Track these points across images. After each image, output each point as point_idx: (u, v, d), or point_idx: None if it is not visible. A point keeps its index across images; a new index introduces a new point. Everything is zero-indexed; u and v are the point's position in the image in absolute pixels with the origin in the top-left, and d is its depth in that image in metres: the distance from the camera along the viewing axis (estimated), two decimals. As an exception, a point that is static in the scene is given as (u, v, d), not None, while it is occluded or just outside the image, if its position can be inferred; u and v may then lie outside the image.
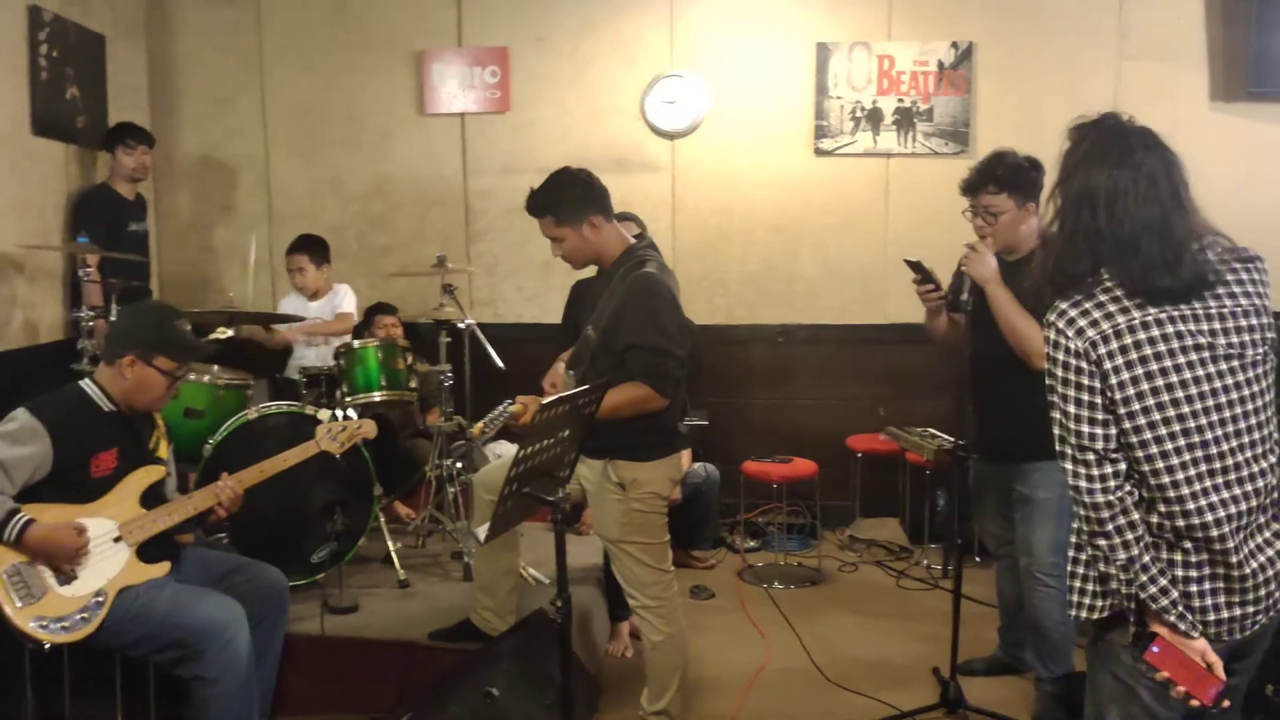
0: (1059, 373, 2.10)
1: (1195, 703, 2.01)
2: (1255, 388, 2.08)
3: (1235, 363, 2.06)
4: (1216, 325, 2.06)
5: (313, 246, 5.33)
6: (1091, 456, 2.07)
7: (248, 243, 5.54)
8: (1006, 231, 3.64)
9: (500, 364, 4.88)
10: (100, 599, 2.99)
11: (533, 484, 2.62)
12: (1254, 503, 2.08)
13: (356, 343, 4.62)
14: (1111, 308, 2.06)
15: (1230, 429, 2.06)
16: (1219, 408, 2.05)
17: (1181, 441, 2.04)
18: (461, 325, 4.81)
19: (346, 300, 5.38)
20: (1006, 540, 3.95)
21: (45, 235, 5.01)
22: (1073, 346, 2.07)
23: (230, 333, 4.36)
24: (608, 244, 3.39)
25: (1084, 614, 2.20)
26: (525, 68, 6.08)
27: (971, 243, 3.69)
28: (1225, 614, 2.08)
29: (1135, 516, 2.07)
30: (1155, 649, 2.05)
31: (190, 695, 3.07)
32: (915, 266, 3.80)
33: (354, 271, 5.93)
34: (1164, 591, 2.06)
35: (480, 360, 4.90)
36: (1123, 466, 2.07)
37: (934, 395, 5.77)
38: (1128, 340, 2.04)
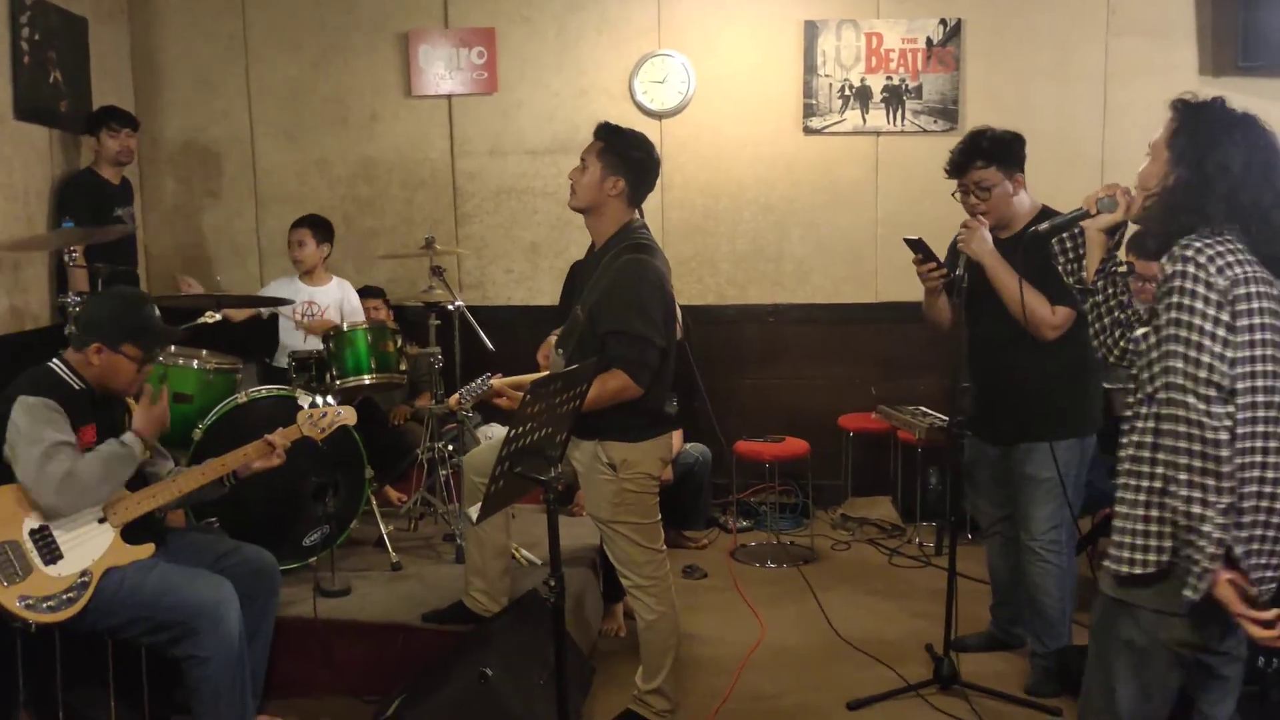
0: (1198, 305, 2.09)
1: (1262, 635, 2.03)
2: None
3: None
4: None
5: (318, 224, 5.32)
6: (1215, 392, 2.07)
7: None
8: (1000, 205, 3.64)
9: (490, 346, 4.86)
10: (85, 579, 2.98)
11: (524, 464, 2.61)
12: None
13: (345, 325, 4.60)
14: (1242, 256, 2.13)
15: None
16: None
17: (1261, 397, 2.09)
18: (451, 308, 4.79)
19: (352, 296, 5.37)
20: (999, 518, 3.95)
21: (30, 221, 4.97)
22: (1215, 282, 2.09)
23: (218, 316, 4.33)
24: (610, 209, 3.35)
25: (1126, 568, 2.20)
26: (512, 49, 6.04)
27: (966, 220, 3.68)
28: (1258, 575, 2.11)
29: (1237, 464, 2.09)
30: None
31: (183, 676, 3.06)
32: (915, 245, 3.77)
33: (342, 255, 5.89)
34: (1241, 539, 2.09)
35: (470, 343, 4.89)
36: (1233, 409, 2.09)
37: (925, 374, 5.79)
38: (1252, 289, 2.10)
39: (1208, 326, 2.08)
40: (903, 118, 5.93)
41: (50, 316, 5.08)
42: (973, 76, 5.88)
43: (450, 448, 4.81)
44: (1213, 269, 2.09)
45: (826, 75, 5.93)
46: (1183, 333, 2.10)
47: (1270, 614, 2.01)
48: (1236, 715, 2.38)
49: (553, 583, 2.65)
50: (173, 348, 4.18)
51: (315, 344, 4.84)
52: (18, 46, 4.86)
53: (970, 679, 3.79)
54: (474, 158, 6.13)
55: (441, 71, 6.05)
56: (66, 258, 4.47)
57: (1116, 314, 2.47)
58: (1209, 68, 5.72)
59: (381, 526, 4.50)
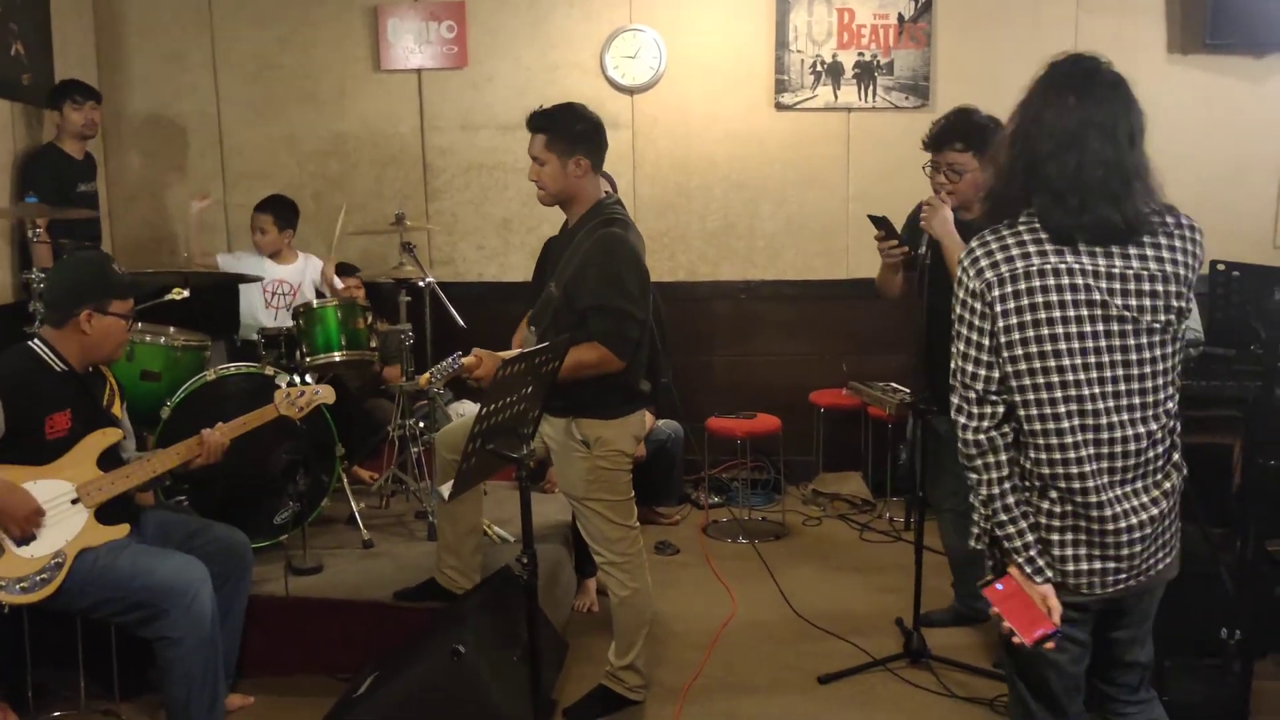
0: (957, 309, 2.15)
1: (1016, 640, 2.05)
2: (1145, 354, 2.08)
3: (1128, 325, 2.07)
4: (1117, 285, 2.06)
5: (279, 209, 5.23)
6: (972, 395, 2.13)
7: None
8: (968, 189, 3.65)
9: (461, 323, 4.84)
10: (59, 560, 2.95)
11: (496, 441, 2.61)
12: (1128, 462, 2.10)
13: (316, 302, 4.57)
14: (1015, 251, 2.08)
15: (1109, 389, 2.08)
16: (1100, 366, 2.07)
17: (1059, 393, 2.07)
18: (421, 284, 4.76)
19: (316, 270, 5.31)
20: (952, 492, 3.98)
21: (-10, 195, 4.89)
22: (972, 286, 2.11)
23: (186, 293, 4.28)
24: (582, 191, 3.34)
25: (974, 543, 2.25)
26: (482, 22, 5.99)
27: (929, 198, 3.70)
28: (1084, 565, 2.12)
29: (1004, 457, 2.13)
30: (999, 586, 2.11)
31: (155, 656, 3.05)
32: (879, 222, 3.80)
33: (312, 232, 5.84)
34: (1020, 533, 2.12)
35: (441, 319, 4.87)
36: (1001, 409, 2.12)
37: (896, 350, 5.81)
38: (1022, 285, 2.06)
39: (963, 331, 2.14)
40: (874, 94, 5.93)
41: (13, 293, 5.01)
42: (944, 53, 5.89)
43: (421, 425, 4.79)
44: (972, 271, 2.10)
45: (798, 51, 5.92)
46: (956, 327, 2.17)
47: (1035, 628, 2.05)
48: (1147, 679, 2.38)
49: (525, 559, 2.66)
50: (139, 324, 4.13)
51: (285, 321, 4.80)
52: (-23, 19, 4.78)
53: (939, 652, 3.84)
54: (444, 133, 6.09)
55: (411, 45, 5.99)
56: (30, 233, 4.40)
57: None
58: (1177, 45, 5.76)
59: (353, 504, 4.48)
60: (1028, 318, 2.06)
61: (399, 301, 4.80)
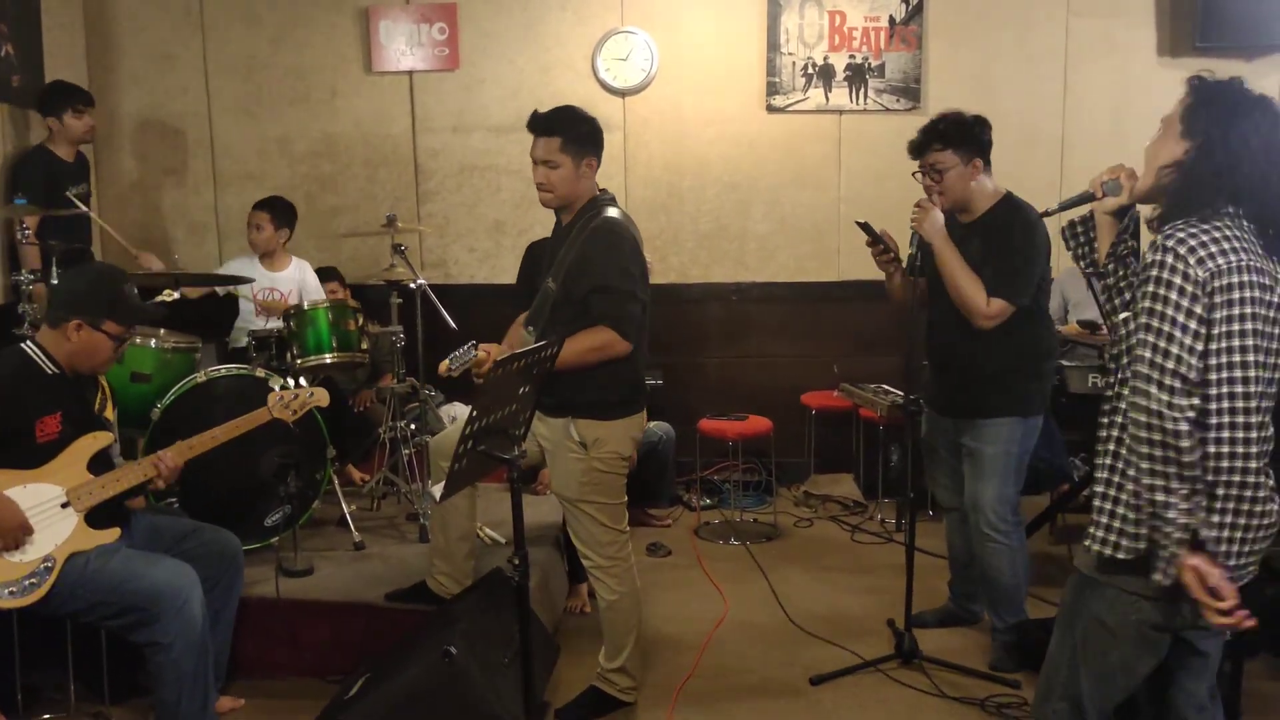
0: (1172, 296, 2.07)
1: (1223, 621, 2.04)
2: None
3: None
4: None
5: (278, 208, 5.22)
6: (1180, 384, 2.06)
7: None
8: (954, 188, 3.67)
9: (453, 324, 4.84)
10: (49, 564, 2.94)
11: (488, 442, 2.60)
12: (1264, 462, 2.15)
13: (306, 304, 4.55)
14: (1227, 245, 2.09)
15: (1271, 389, 2.15)
16: (1274, 367, 2.14)
17: (1240, 389, 2.09)
18: (413, 285, 4.76)
19: (311, 277, 5.32)
20: (956, 494, 4.00)
21: (-20, 197, 4.87)
22: (1193, 274, 2.07)
23: (176, 295, 4.27)
24: (584, 191, 3.35)
25: (1109, 551, 2.20)
26: (474, 24, 5.99)
27: (920, 200, 3.72)
28: (1234, 561, 2.14)
29: (1200, 454, 2.09)
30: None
31: (145, 661, 3.03)
32: (864, 228, 3.82)
33: (304, 233, 5.80)
34: (1209, 526, 2.11)
35: (432, 322, 4.86)
36: (1197, 401, 2.09)
37: (887, 352, 5.82)
38: (1236, 279, 2.08)
39: (1180, 318, 2.06)
40: (865, 96, 5.94)
41: (2, 294, 4.99)
42: (935, 55, 5.91)
43: (413, 427, 4.79)
44: (1192, 260, 2.07)
45: (790, 53, 5.93)
46: (1154, 323, 2.08)
47: (1228, 602, 2.03)
48: (1215, 688, 2.40)
49: (517, 561, 2.65)
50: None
51: (276, 323, 4.79)
52: (-33, 20, 4.76)
53: (930, 653, 3.84)
54: (436, 135, 6.08)
55: (403, 47, 5.99)
56: (19, 234, 4.39)
57: (1126, 295, 2.43)
58: (1167, 48, 5.79)
59: (344, 506, 4.47)
60: (1235, 311, 2.08)
61: (390, 304, 4.80)
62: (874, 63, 5.91)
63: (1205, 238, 2.09)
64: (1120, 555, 2.19)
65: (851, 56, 5.91)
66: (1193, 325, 2.06)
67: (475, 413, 2.52)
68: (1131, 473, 2.15)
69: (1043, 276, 3.66)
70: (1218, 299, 2.07)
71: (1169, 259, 2.08)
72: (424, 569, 3.88)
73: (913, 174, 3.75)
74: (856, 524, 5.52)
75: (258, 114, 6.08)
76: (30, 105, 5.24)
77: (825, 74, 5.93)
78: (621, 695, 3.51)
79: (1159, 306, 2.08)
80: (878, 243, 3.83)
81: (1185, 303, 2.06)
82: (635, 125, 6.01)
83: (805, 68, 5.93)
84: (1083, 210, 2.57)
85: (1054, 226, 3.12)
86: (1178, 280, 2.07)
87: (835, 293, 6.08)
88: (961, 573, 4.16)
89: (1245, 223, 2.14)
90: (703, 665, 3.91)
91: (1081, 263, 2.60)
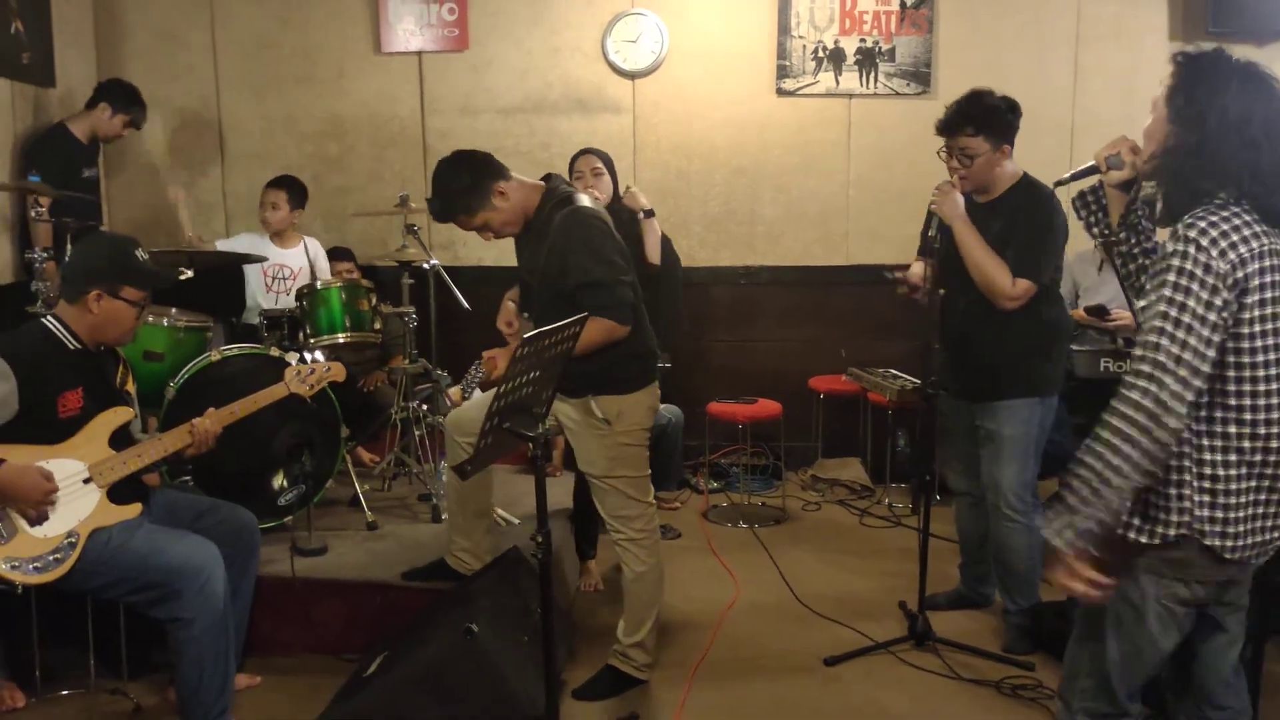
0: (1194, 288, 2.04)
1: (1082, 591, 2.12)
2: None
3: None
4: None
5: (293, 187, 5.23)
6: (1186, 372, 2.02)
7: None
8: (979, 172, 3.66)
9: (466, 305, 4.84)
10: (72, 540, 2.94)
11: (512, 420, 2.60)
12: None
13: (320, 283, 4.55)
14: (1247, 231, 2.07)
15: None
16: None
17: (1275, 370, 2.10)
18: (426, 266, 4.75)
19: (321, 257, 5.32)
20: (968, 478, 4.00)
21: (-10, 175, 4.85)
22: (1215, 265, 2.03)
23: (190, 273, 4.26)
24: (526, 200, 3.36)
25: (1134, 535, 2.19)
26: (483, 5, 5.96)
27: (940, 183, 3.71)
28: (1263, 537, 2.17)
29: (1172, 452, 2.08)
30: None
31: (167, 637, 3.03)
32: (887, 276, 4.00)
33: (311, 213, 5.78)
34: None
35: (443, 303, 4.85)
36: (1203, 392, 2.08)
37: (895, 336, 5.82)
38: (1268, 263, 2.07)
39: (1199, 309, 2.03)
40: (875, 80, 5.93)
41: (14, 273, 4.97)
42: (946, 39, 5.89)
43: (424, 407, 4.79)
44: (1215, 251, 2.04)
45: (800, 37, 5.91)
46: (1173, 312, 2.04)
47: (1087, 576, 2.09)
48: (1240, 665, 2.42)
49: (540, 539, 2.64)
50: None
51: (288, 303, 4.78)
52: (-23, -4, 4.73)
53: (943, 635, 3.85)
54: (445, 116, 6.06)
55: (411, 27, 5.96)
56: (32, 213, 4.37)
57: (1141, 260, 2.44)
58: (1179, 32, 5.77)
59: (357, 485, 4.48)
60: (1269, 295, 2.07)
61: (401, 284, 4.79)
62: (884, 46, 5.89)
63: (1226, 226, 2.06)
64: (1144, 540, 2.18)
65: (862, 40, 5.90)
66: (1212, 316, 2.03)
67: (500, 390, 2.52)
68: (1099, 440, 2.11)
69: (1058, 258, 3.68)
70: (1250, 284, 2.06)
71: (1191, 249, 2.05)
72: (438, 549, 3.89)
73: (937, 152, 3.72)
74: (864, 508, 5.53)
75: (265, 93, 6.05)
76: (40, 82, 5.22)
77: (835, 58, 5.92)
78: (637, 673, 3.52)
79: (1179, 297, 2.04)
80: (898, 281, 3.93)
81: (1205, 294, 2.03)
82: (644, 108, 6.00)
83: (815, 51, 5.92)
84: (1092, 180, 2.58)
85: (1064, 199, 3.14)
86: (1199, 272, 2.04)
87: (843, 277, 6.07)
88: (973, 555, 4.17)
89: (1247, 206, 2.10)
90: (716, 646, 3.92)
91: (1094, 229, 2.59)
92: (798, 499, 5.69)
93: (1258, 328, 2.08)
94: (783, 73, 5.95)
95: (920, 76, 5.90)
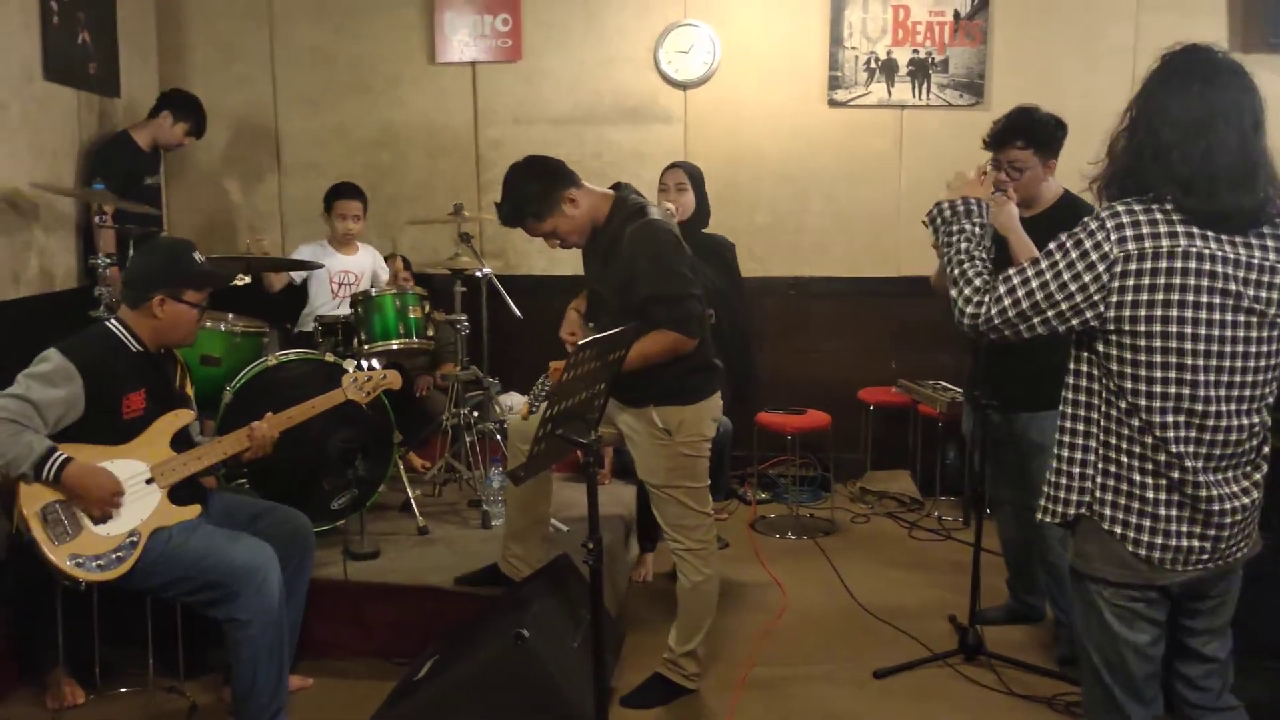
0: (1072, 255, 2.10)
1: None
2: (1265, 347, 2.10)
3: (1254, 318, 2.07)
4: (1253, 276, 2.06)
5: (363, 196, 5.27)
6: (1013, 314, 2.17)
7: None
8: (1027, 186, 3.66)
9: (518, 313, 4.87)
10: (134, 539, 2.99)
11: (566, 426, 2.62)
12: (1225, 451, 2.12)
13: (374, 290, 4.60)
14: (1162, 229, 2.05)
15: (1225, 379, 2.08)
16: (1220, 355, 2.07)
17: (1172, 374, 2.07)
18: (479, 275, 4.79)
19: (381, 263, 5.39)
20: (1009, 487, 3.97)
21: (57, 181, 4.95)
22: (1107, 250, 2.06)
23: (248, 280, 4.33)
24: (594, 208, 3.36)
25: (1045, 517, 2.27)
26: (537, 16, 6.01)
27: (993, 195, 3.69)
28: (1184, 543, 2.13)
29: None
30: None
31: (224, 637, 3.08)
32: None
33: (364, 222, 5.89)
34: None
35: (495, 311, 4.89)
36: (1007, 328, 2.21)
37: (945, 348, 5.77)
38: (1163, 264, 2.04)
39: (1064, 274, 2.09)
40: (928, 91, 5.91)
41: (78, 278, 5.09)
42: (1000, 51, 5.86)
43: (475, 414, 4.82)
44: (1115, 237, 2.05)
45: (853, 47, 5.90)
46: (1044, 262, 2.13)
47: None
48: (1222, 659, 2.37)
49: (591, 545, 2.65)
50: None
51: (344, 309, 4.85)
52: (47, 7, 4.84)
53: (994, 649, 3.82)
54: (498, 126, 6.11)
55: (465, 38, 6.03)
56: (96, 219, 4.47)
57: None
58: (1239, 44, 5.69)
59: (409, 491, 4.52)
60: (1159, 297, 2.04)
61: (454, 292, 4.84)
62: (938, 58, 5.87)
63: (1140, 217, 2.06)
64: (1044, 518, 2.28)
65: (915, 51, 5.88)
66: (1072, 286, 2.09)
67: (555, 397, 2.54)
68: (1078, 431, 2.23)
69: None
70: (1131, 281, 2.05)
71: (1093, 225, 2.09)
72: (488, 554, 3.92)
73: (984, 165, 3.70)
74: (914, 521, 5.49)
75: (321, 103, 6.14)
76: (106, 92, 5.34)
77: (888, 69, 5.90)
78: (687, 682, 3.53)
79: (1058, 254, 2.12)
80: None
81: (1081, 266, 2.08)
82: (695, 118, 6.02)
83: (868, 62, 5.91)
84: None
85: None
86: (1088, 244, 2.08)
87: (893, 288, 6.04)
88: (1018, 566, 4.13)
89: (1171, 205, 2.07)
90: (764, 656, 3.92)
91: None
92: (846, 510, 5.67)
93: (1143, 327, 2.07)
94: (835, 83, 5.94)
95: (974, 88, 5.87)
